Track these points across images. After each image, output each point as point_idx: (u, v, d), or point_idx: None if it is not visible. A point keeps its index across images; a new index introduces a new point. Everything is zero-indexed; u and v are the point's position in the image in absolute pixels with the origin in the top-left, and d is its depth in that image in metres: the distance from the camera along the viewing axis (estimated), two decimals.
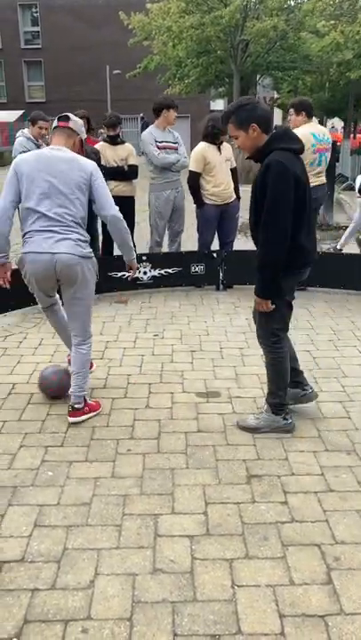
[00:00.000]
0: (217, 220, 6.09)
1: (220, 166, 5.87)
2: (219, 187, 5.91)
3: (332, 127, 30.47)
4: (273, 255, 2.96)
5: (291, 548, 2.40)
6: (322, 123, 31.23)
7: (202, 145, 5.87)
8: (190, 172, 5.95)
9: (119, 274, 5.93)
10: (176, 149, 6.10)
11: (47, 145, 6.14)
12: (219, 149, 5.84)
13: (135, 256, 3.64)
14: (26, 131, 6.07)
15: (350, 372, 4.11)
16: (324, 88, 23.85)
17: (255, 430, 3.27)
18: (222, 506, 2.66)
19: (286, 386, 3.33)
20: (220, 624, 2.03)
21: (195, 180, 5.92)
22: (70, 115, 3.43)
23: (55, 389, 3.65)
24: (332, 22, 17.45)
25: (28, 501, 2.68)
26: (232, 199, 6.00)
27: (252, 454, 3.08)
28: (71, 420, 3.37)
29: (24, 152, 5.79)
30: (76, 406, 3.39)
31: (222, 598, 2.14)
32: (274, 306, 3.09)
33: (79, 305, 3.36)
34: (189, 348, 4.60)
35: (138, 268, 3.59)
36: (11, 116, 31.10)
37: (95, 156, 5.90)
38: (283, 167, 2.85)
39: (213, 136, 5.75)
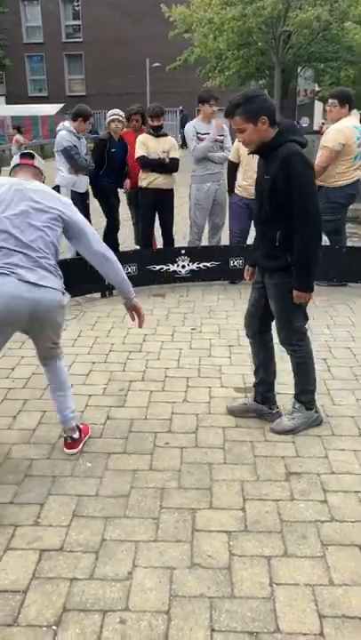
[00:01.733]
0: (246, 213, 6.02)
1: (249, 160, 5.82)
2: (246, 180, 5.85)
3: None
4: (316, 244, 2.93)
5: (330, 547, 2.36)
6: None
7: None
8: (228, 161, 6.00)
9: (157, 267, 5.94)
10: (221, 141, 6.08)
11: (86, 140, 6.23)
12: None
13: (133, 294, 3.04)
14: (67, 123, 6.10)
15: None
16: None
17: (293, 432, 3.21)
18: (261, 502, 2.63)
19: (315, 378, 3.30)
20: (258, 621, 2.01)
21: (229, 170, 6.00)
22: (34, 153, 3.07)
23: None
24: None
25: (67, 491, 2.71)
26: None
27: (291, 451, 3.05)
28: (70, 451, 3.01)
29: (69, 146, 5.87)
30: (74, 436, 3.03)
31: (260, 596, 2.12)
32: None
33: None
34: (227, 342, 4.57)
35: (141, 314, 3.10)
36: (52, 109, 31.42)
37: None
38: (303, 157, 2.82)
39: None
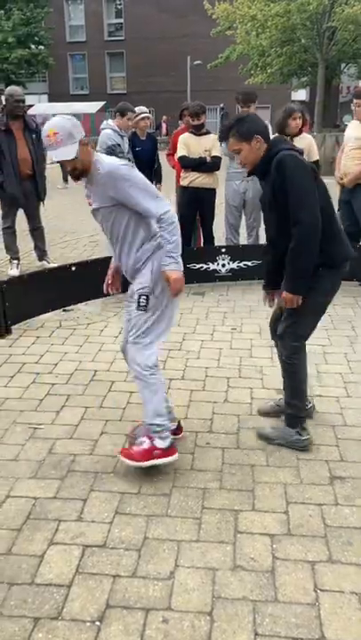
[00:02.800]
0: None
1: None
2: None
3: None
4: (308, 246, 2.79)
5: None
6: None
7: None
8: None
9: (197, 265, 5.93)
10: None
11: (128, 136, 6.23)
12: (291, 141, 5.63)
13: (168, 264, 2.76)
14: (111, 122, 6.12)
15: None
16: None
17: (268, 441, 3.11)
18: (304, 506, 2.60)
19: (303, 397, 3.14)
20: (302, 627, 1.98)
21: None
22: None
23: None
24: None
25: (110, 488, 2.73)
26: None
27: (335, 455, 2.99)
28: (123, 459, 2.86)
29: (113, 145, 5.89)
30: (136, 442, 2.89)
31: (305, 601, 2.09)
32: (302, 300, 2.90)
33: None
34: (268, 343, 4.49)
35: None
36: (92, 107, 31.75)
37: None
38: (296, 158, 2.79)
39: (282, 128, 5.55)
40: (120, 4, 36.64)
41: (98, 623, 2.01)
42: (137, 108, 6.49)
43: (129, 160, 6.09)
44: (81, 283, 5.22)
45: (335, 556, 2.31)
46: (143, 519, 2.52)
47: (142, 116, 6.42)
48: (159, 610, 2.06)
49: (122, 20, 36.81)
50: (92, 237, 8.52)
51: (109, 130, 5.95)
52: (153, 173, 6.54)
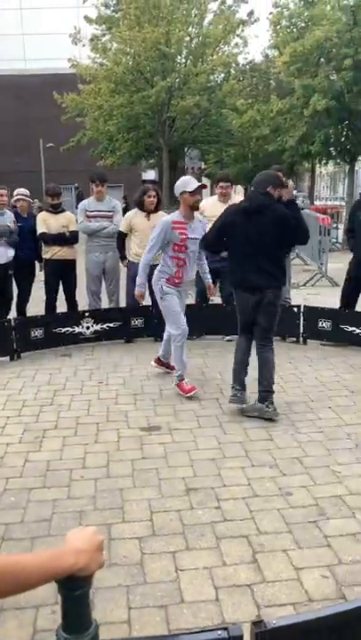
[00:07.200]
0: None
1: (143, 232, 6.58)
2: (142, 248, 6.63)
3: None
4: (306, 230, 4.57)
5: (223, 540, 2.87)
6: (247, 191, 33.37)
7: (132, 211, 6.64)
8: (118, 231, 6.69)
9: (63, 329, 6.41)
10: (110, 217, 6.81)
11: (10, 212, 6.70)
12: (148, 217, 6.51)
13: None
14: None
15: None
16: (247, 159, 25.65)
17: (247, 413, 4.43)
18: (165, 513, 3.11)
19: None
20: (166, 597, 2.46)
21: (119, 238, 6.71)
22: None
23: None
24: (250, 101, 19.22)
25: None
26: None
27: (190, 472, 3.57)
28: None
29: None
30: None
31: (168, 580, 2.58)
32: None
33: None
34: (132, 392, 5.08)
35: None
36: None
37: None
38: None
39: (140, 204, 6.46)
40: None
41: None
42: (15, 191, 7.08)
43: (11, 233, 6.52)
44: None
45: (191, 545, 2.83)
46: (28, 541, 2.87)
47: (15, 197, 7.04)
48: (48, 605, 2.42)
49: None
50: None
51: None
52: (36, 249, 7.00)
